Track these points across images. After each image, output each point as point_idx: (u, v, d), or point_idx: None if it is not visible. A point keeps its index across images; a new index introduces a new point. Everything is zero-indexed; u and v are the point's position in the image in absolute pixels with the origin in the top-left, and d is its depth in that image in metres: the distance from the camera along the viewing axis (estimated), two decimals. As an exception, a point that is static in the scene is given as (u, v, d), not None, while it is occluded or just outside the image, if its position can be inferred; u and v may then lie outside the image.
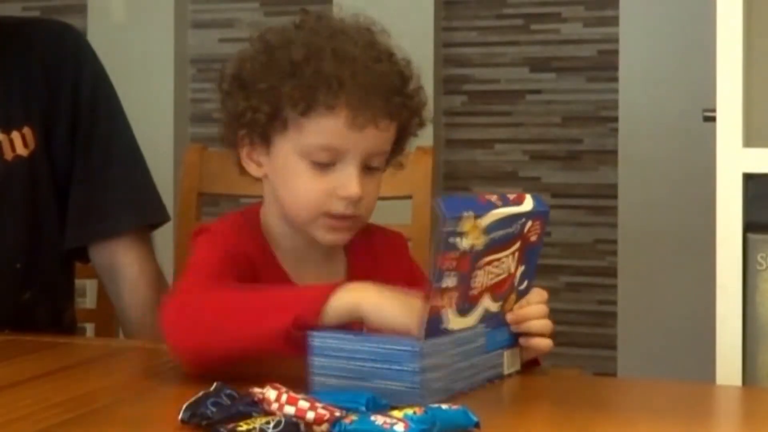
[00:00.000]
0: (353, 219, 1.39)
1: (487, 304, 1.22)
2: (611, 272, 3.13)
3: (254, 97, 1.38)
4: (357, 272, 1.40)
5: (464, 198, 1.16)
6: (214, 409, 1.01)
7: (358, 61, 1.34)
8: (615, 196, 3.11)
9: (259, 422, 0.94)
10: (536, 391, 1.23)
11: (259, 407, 1.01)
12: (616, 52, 3.14)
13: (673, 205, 2.99)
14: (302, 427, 0.98)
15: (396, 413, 0.98)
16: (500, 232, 1.18)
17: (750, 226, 1.44)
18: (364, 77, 1.34)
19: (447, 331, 1.16)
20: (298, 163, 1.37)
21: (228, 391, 1.04)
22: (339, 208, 1.36)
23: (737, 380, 1.41)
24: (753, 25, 1.62)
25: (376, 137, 1.36)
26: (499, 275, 1.21)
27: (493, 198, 1.18)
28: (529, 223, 1.24)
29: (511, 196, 1.21)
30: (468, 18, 3.32)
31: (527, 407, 1.15)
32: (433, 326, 1.13)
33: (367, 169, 1.38)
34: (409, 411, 0.99)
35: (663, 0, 3.06)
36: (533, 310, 1.30)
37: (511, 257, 1.22)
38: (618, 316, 3.10)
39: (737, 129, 1.41)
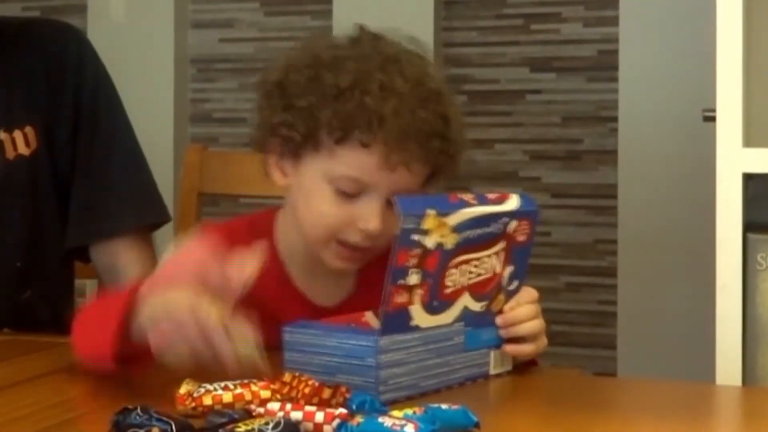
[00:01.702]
0: (366, 251, 1.38)
1: (467, 302, 1.22)
2: (611, 272, 3.14)
3: (292, 112, 1.37)
4: (365, 283, 1.42)
5: (427, 197, 1.23)
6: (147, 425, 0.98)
7: (403, 99, 1.32)
8: (615, 196, 3.12)
9: (257, 423, 0.93)
10: (535, 391, 1.23)
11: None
12: (616, 52, 3.15)
13: (673, 205, 3.00)
14: (302, 427, 0.98)
15: (396, 413, 0.98)
16: (476, 231, 1.19)
17: (750, 226, 1.45)
18: (406, 118, 1.32)
19: (415, 328, 1.16)
20: (323, 186, 1.36)
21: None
22: (355, 238, 1.35)
23: (737, 380, 1.42)
24: (753, 25, 1.62)
25: (406, 179, 1.35)
26: (480, 275, 1.22)
27: (467, 197, 1.19)
28: (514, 223, 1.24)
29: (492, 196, 1.23)
30: (468, 18, 3.33)
31: (525, 407, 1.16)
32: (397, 322, 1.14)
33: (389, 203, 1.33)
34: (409, 411, 0.98)
35: (663, 0, 3.03)
36: (522, 312, 1.29)
37: (494, 257, 1.23)
38: (618, 316, 3.11)
39: (737, 129, 1.42)
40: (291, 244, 1.45)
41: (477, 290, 1.22)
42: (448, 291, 1.19)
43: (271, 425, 0.94)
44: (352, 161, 1.32)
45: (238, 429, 0.92)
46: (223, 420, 0.96)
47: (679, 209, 2.98)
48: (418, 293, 1.15)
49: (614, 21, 3.13)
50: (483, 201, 1.19)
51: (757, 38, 1.69)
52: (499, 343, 1.29)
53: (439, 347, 1.21)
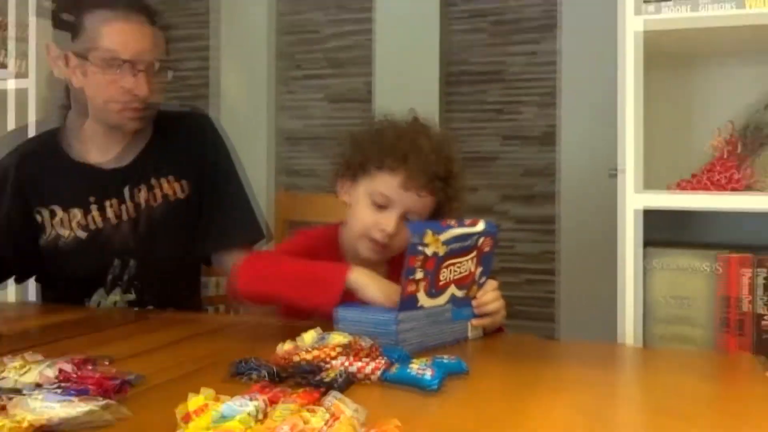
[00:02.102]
0: (386, 248, 1.42)
1: (454, 290, 1.30)
2: (553, 272, 3.16)
3: (359, 153, 1.44)
4: (391, 274, 1.43)
5: (426, 222, 1.32)
6: (257, 369, 1.01)
7: (423, 149, 1.39)
8: (554, 223, 3.12)
9: (332, 374, 0.96)
10: (501, 348, 1.30)
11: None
12: (554, 130, 3.14)
13: (594, 228, 2.99)
14: (358, 376, 1.00)
15: (415, 363, 1.02)
16: (458, 244, 1.26)
17: (647, 242, 1.46)
18: (421, 159, 1.38)
19: (420, 307, 1.24)
20: (364, 199, 1.42)
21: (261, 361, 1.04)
22: (377, 236, 1.40)
23: (639, 343, 1.44)
24: (649, 110, 1.64)
25: (416, 201, 1.39)
26: (461, 273, 1.30)
27: (453, 222, 1.27)
28: (482, 239, 1.31)
29: (468, 221, 1.31)
30: (461, 106, 3.33)
31: (495, 359, 1.20)
32: (409, 303, 1.22)
33: (405, 219, 1.40)
34: (423, 361, 1.03)
35: (589, 95, 3.04)
36: (488, 297, 1.35)
37: (470, 261, 1.31)
38: (556, 300, 3.10)
39: (638, 178, 1.44)
40: (347, 244, 1.51)
41: (459, 282, 1.31)
42: (441, 283, 1.28)
43: (339, 375, 0.96)
44: (383, 180, 1.39)
45: (325, 379, 0.95)
46: (307, 369, 0.98)
47: (598, 231, 2.97)
48: (422, 284, 1.24)
49: (556, 110, 3.12)
50: (461, 224, 1.30)
51: (650, 117, 1.71)
52: (474, 316, 1.34)
53: (436, 319, 1.28)
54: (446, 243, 1.23)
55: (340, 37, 3.59)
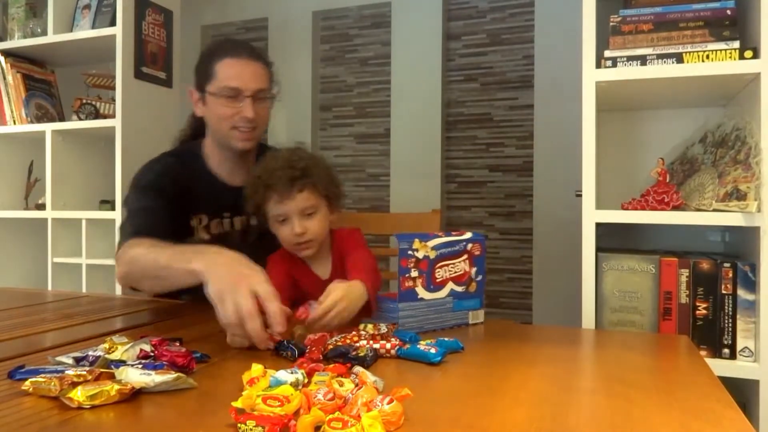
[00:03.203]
0: (307, 243, 1.32)
1: (453, 286, 1.26)
2: (530, 272, 3.12)
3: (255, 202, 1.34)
4: (336, 262, 1.38)
5: (415, 233, 1.22)
6: (292, 348, 0.97)
7: (275, 171, 1.28)
8: (531, 234, 3.09)
9: (363, 351, 0.94)
10: (490, 331, 1.23)
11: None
12: (532, 161, 3.12)
13: (562, 238, 2.97)
14: (380, 352, 1.00)
15: (422, 342, 1.02)
16: (447, 249, 1.24)
17: (599, 249, 1.44)
18: (272, 179, 1.28)
19: (421, 299, 1.21)
20: (274, 224, 1.34)
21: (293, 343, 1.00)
22: (295, 240, 1.31)
23: (592, 326, 1.41)
24: (604, 145, 1.62)
25: (299, 200, 1.28)
26: (457, 272, 1.26)
27: (440, 233, 1.26)
28: (471, 245, 1.28)
29: (455, 233, 1.29)
30: (458, 143, 3.33)
31: (486, 341, 1.18)
32: (408, 296, 1.19)
33: (307, 215, 1.30)
34: (429, 340, 1.03)
35: (560, 130, 3.03)
36: (327, 302, 1.11)
37: (463, 262, 1.27)
38: (533, 294, 3.07)
39: (593, 198, 1.42)
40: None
41: (457, 280, 1.27)
42: (438, 280, 1.24)
43: (368, 352, 0.95)
44: (276, 208, 1.29)
45: (359, 354, 0.93)
46: (343, 350, 0.95)
47: (564, 240, 2.95)
48: (419, 281, 1.21)
49: (531, 146, 3.10)
50: (449, 235, 1.27)
51: (605, 151, 1.69)
52: (477, 307, 1.28)
53: (437, 308, 1.24)
54: (435, 248, 1.21)
55: (365, 92, 3.60)
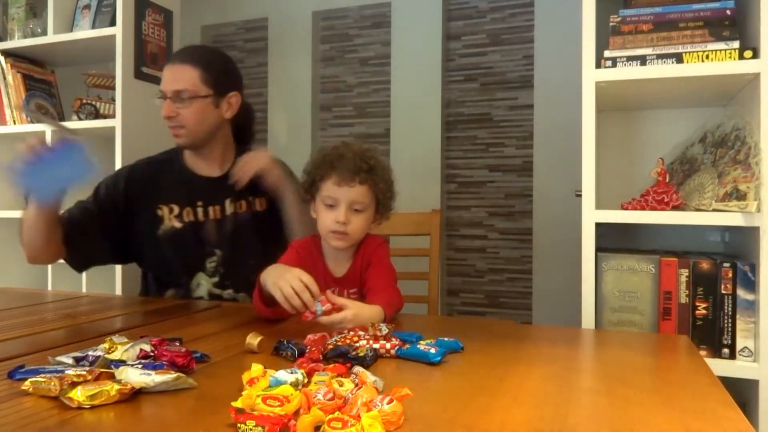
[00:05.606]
0: (345, 234, 1.35)
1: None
2: (529, 272, 3.12)
3: (307, 177, 1.38)
4: (356, 265, 1.41)
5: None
6: (291, 348, 1.00)
7: (344, 156, 1.33)
8: (531, 234, 3.09)
9: (363, 351, 0.95)
10: (489, 331, 1.24)
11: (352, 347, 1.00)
12: (531, 161, 3.12)
13: (562, 238, 2.97)
14: (379, 353, 1.00)
15: (423, 342, 1.02)
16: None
17: (599, 249, 1.44)
18: (342, 162, 1.32)
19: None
20: (320, 205, 1.36)
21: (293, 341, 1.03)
22: (335, 227, 1.33)
23: (592, 326, 1.41)
24: (604, 145, 1.63)
25: (352, 192, 1.32)
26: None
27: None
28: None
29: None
30: (458, 144, 3.33)
31: (485, 341, 1.17)
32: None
33: (355, 210, 1.34)
34: (429, 340, 1.03)
35: (560, 130, 3.02)
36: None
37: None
38: (533, 294, 3.07)
39: (593, 198, 1.42)
40: (324, 244, 1.41)
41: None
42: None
43: (368, 352, 0.96)
44: (325, 186, 1.34)
45: (360, 353, 0.94)
46: (343, 350, 0.96)
47: (564, 240, 2.95)
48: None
49: (531, 146, 3.10)
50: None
51: (605, 151, 1.69)
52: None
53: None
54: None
55: (365, 92, 3.60)
